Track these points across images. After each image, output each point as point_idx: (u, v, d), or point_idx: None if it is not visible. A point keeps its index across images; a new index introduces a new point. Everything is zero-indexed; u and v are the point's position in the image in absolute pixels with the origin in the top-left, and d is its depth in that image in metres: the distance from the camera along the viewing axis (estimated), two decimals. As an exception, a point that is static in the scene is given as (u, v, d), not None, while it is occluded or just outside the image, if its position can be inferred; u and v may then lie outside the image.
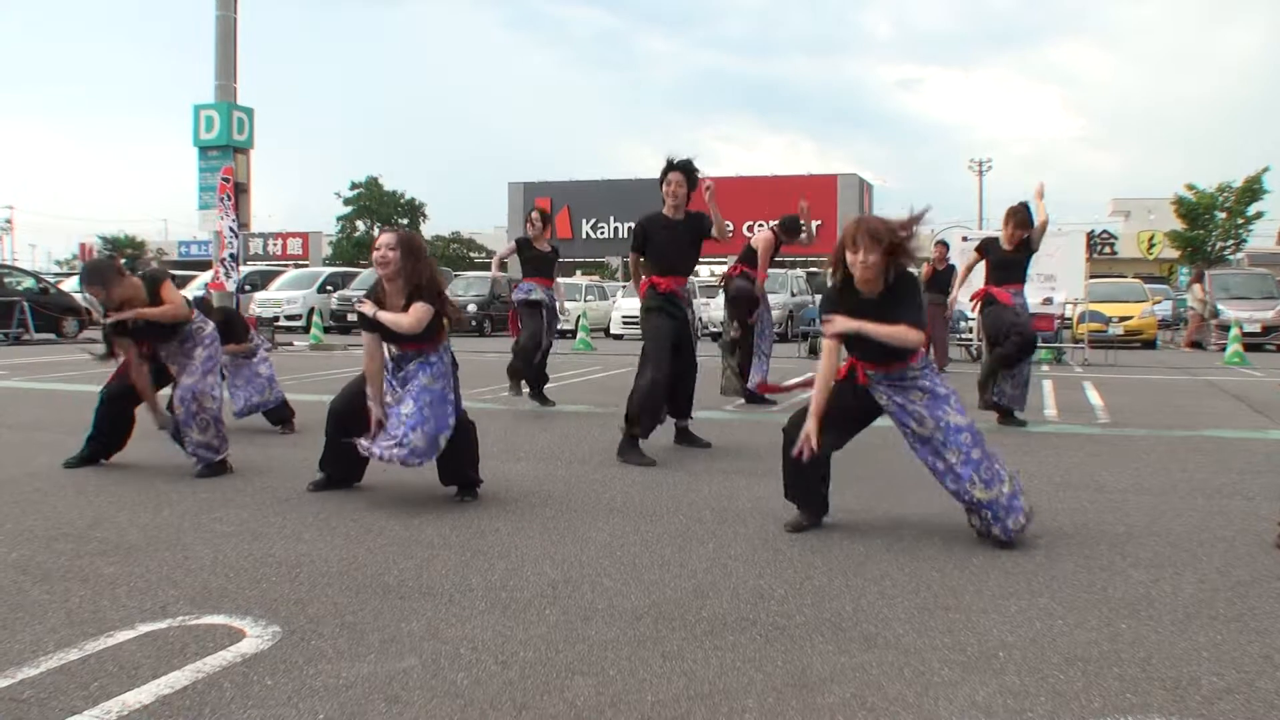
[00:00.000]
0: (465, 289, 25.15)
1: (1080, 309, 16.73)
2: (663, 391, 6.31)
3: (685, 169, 6.36)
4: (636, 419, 6.22)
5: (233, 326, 7.73)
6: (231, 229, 16.48)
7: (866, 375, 4.32)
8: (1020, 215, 7.93)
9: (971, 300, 8.61)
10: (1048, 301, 15.31)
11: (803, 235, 9.10)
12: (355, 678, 2.72)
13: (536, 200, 44.82)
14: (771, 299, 11.13)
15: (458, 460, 5.13)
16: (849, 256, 4.10)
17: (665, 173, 6.37)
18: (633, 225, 6.83)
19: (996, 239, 8.19)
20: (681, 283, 6.49)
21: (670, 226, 6.43)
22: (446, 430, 5.00)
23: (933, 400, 4.24)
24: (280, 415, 7.65)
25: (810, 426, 4.26)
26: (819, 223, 44.16)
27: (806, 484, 4.45)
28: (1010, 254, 7.94)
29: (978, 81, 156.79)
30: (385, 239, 5.01)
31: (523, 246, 9.19)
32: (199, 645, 2.94)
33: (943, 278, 13.45)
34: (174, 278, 6.71)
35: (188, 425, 5.64)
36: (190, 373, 5.71)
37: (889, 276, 4.15)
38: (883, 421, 4.40)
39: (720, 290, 10.08)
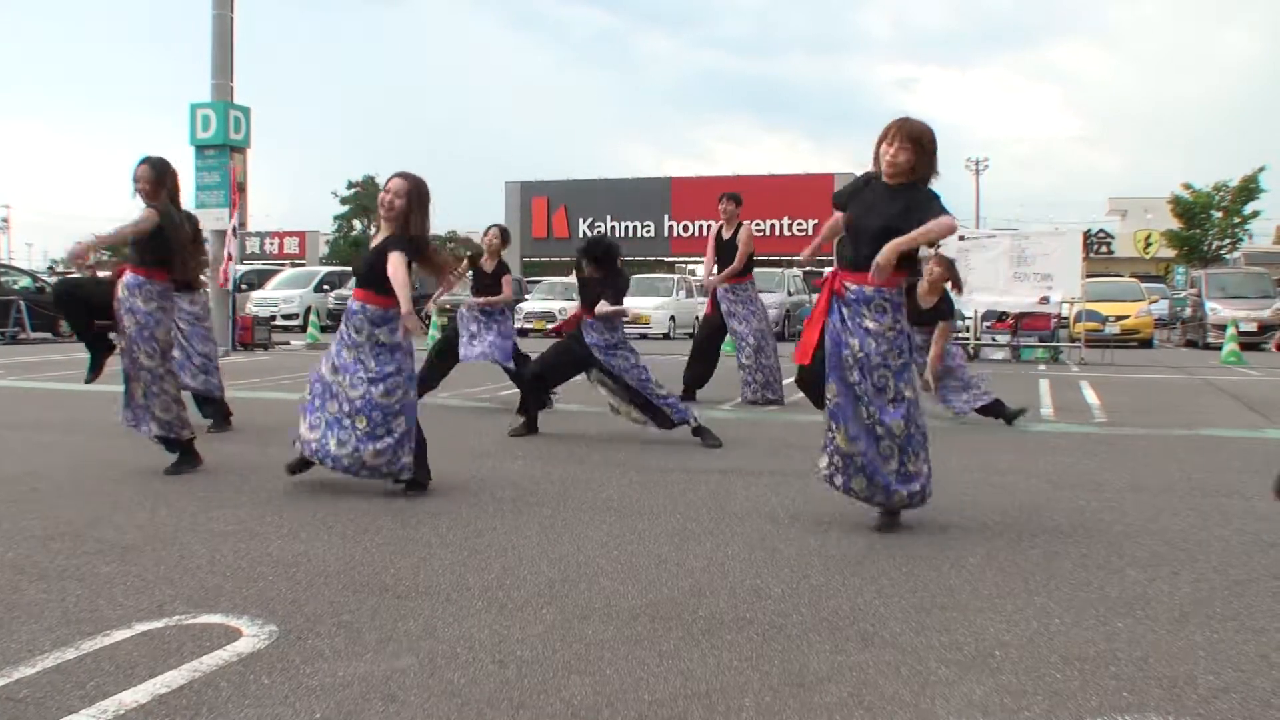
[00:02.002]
0: (463, 288, 25.12)
1: (1077, 308, 16.75)
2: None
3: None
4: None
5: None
6: (234, 228, 16.53)
7: (844, 287, 4.35)
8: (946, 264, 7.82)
9: None
10: (1044, 300, 15.33)
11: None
12: (352, 677, 2.72)
13: (534, 199, 44.80)
14: (768, 299, 11.08)
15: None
16: (882, 148, 4.27)
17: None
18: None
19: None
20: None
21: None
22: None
23: (898, 375, 4.30)
24: (211, 411, 7.50)
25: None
26: (816, 221, 44.27)
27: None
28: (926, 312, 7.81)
29: (975, 81, 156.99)
30: (395, 184, 5.02)
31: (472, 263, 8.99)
32: (196, 644, 2.94)
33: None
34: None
35: (150, 400, 5.55)
36: (145, 357, 5.52)
37: (915, 178, 4.28)
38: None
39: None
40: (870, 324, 4.29)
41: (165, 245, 5.55)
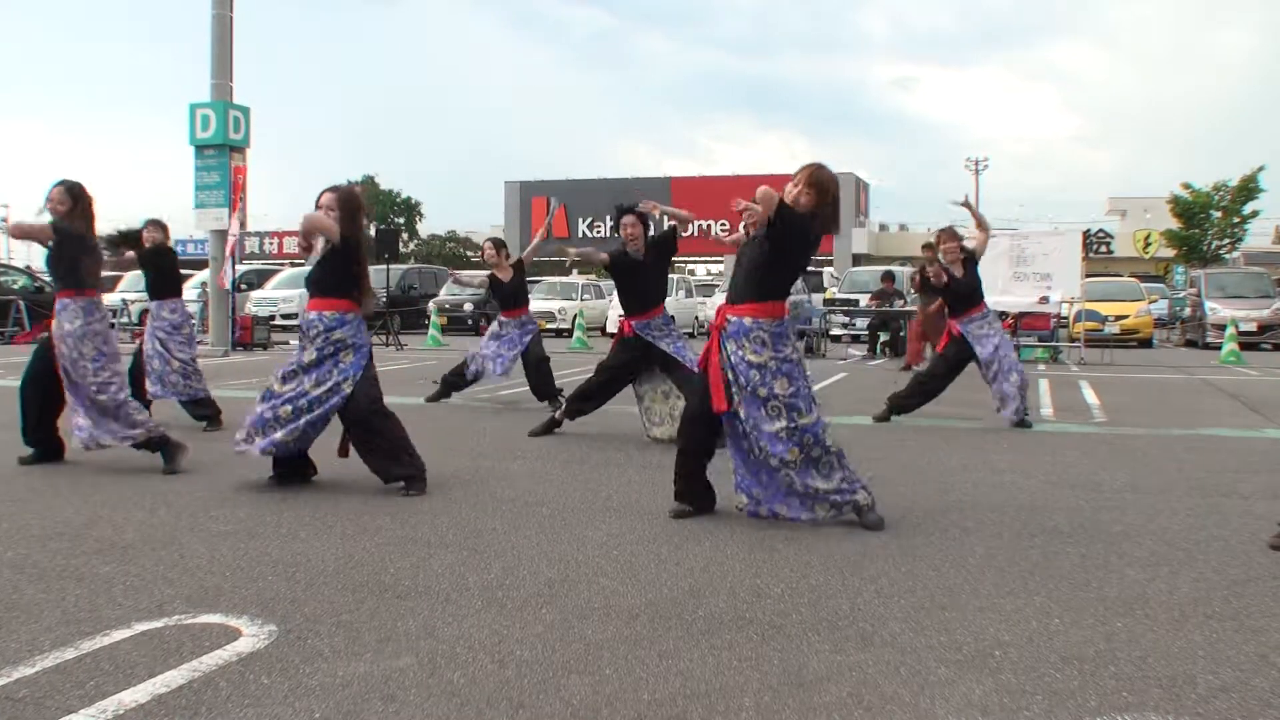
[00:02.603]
0: (461, 288, 25.15)
1: (1076, 308, 16.75)
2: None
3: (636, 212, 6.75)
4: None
5: (165, 277, 7.78)
6: (237, 229, 16.58)
7: (726, 320, 4.44)
8: (949, 231, 8.23)
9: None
10: (1044, 300, 15.34)
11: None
12: (351, 677, 2.72)
13: (533, 199, 44.81)
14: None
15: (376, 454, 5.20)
16: (788, 187, 4.39)
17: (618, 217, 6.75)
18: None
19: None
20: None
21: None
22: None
23: (789, 405, 4.36)
24: (203, 412, 7.60)
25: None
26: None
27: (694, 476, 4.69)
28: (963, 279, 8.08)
29: (973, 80, 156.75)
30: (326, 199, 5.22)
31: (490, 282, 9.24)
32: (195, 644, 2.94)
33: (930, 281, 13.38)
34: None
35: (113, 410, 5.66)
36: (81, 374, 5.64)
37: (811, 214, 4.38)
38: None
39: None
40: (750, 356, 4.38)
41: (73, 261, 5.71)
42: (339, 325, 5.17)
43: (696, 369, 6.74)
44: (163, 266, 7.81)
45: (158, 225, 7.93)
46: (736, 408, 4.40)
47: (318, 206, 5.22)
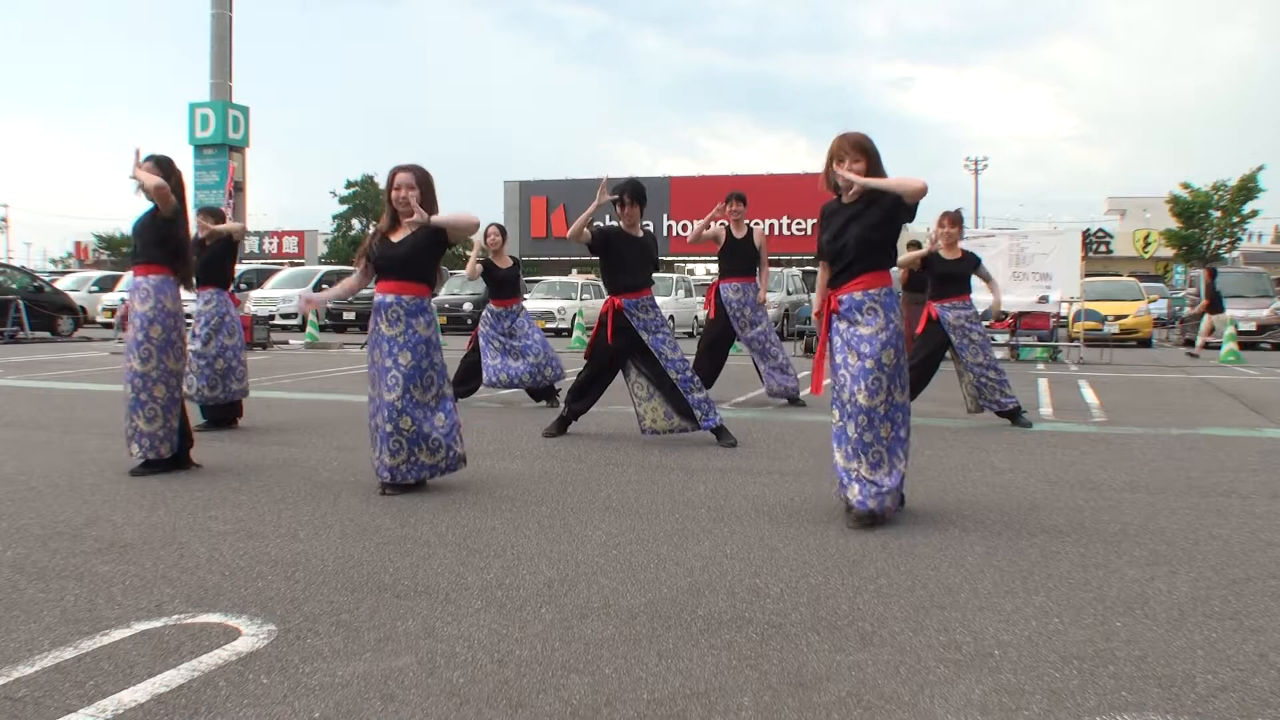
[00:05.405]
0: (461, 286, 25.16)
1: (1076, 307, 16.75)
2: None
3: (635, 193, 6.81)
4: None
5: (223, 263, 7.66)
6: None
7: (838, 301, 4.52)
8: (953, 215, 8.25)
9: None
10: (1043, 300, 15.34)
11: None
12: (351, 676, 2.72)
13: (533, 199, 44.79)
14: (769, 297, 11.13)
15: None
16: (838, 169, 4.45)
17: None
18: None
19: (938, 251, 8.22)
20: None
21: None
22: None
23: (892, 377, 4.40)
24: (221, 414, 7.52)
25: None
26: (815, 220, 44.37)
27: None
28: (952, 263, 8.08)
29: (971, 80, 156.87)
30: (403, 178, 5.10)
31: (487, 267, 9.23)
32: (195, 644, 2.94)
33: (919, 278, 13.35)
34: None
35: (134, 411, 5.50)
36: (142, 356, 5.46)
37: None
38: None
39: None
40: (864, 329, 4.45)
41: (167, 238, 5.58)
42: (420, 313, 5.08)
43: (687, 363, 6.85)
44: (216, 253, 7.59)
45: (210, 213, 7.81)
46: (843, 391, 4.43)
47: (392, 187, 5.09)
